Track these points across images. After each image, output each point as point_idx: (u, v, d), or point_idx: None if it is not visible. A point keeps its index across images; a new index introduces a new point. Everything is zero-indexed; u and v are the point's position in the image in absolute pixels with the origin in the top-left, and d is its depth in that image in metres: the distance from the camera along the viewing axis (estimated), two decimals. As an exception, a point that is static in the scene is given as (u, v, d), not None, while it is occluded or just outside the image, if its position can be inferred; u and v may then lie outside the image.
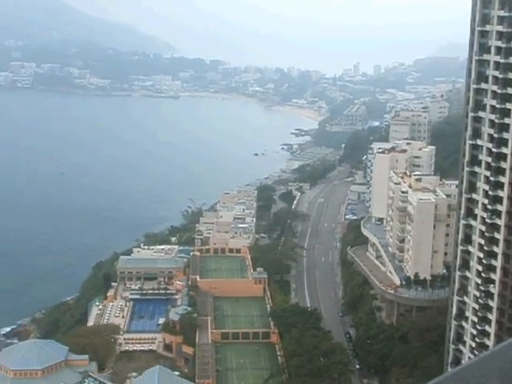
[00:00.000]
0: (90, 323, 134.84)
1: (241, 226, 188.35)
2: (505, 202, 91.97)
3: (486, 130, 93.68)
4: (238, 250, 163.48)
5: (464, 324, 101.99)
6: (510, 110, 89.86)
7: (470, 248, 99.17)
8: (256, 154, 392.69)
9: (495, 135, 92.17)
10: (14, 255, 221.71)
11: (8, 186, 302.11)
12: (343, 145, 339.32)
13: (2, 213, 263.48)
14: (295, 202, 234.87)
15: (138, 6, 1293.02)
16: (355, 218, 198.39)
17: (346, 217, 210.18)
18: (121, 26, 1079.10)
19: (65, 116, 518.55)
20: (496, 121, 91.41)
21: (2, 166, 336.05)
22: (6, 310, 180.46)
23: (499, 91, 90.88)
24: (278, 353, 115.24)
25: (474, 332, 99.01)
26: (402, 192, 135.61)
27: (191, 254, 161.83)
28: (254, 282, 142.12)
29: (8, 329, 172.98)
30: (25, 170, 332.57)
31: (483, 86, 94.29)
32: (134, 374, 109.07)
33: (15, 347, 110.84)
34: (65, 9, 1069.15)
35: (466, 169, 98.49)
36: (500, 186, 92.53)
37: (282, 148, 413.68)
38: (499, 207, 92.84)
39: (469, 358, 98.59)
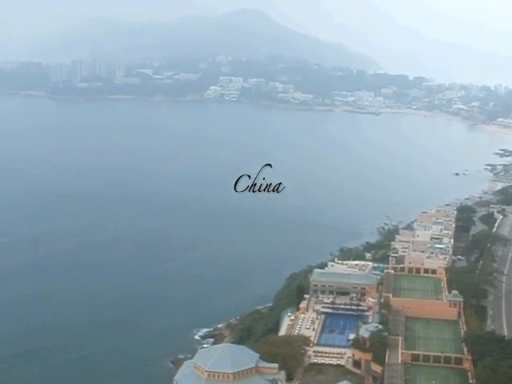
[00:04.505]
0: (282, 333, 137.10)
1: (437, 246, 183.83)
2: None
3: None
4: (434, 271, 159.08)
5: None
6: None
7: None
8: (457, 174, 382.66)
9: None
10: (218, 264, 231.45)
11: (214, 197, 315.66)
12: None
13: (213, 223, 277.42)
14: (496, 224, 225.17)
15: (344, 25, 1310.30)
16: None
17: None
18: (327, 43, 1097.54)
19: (264, 129, 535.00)
20: None
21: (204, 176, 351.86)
22: (205, 313, 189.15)
23: None
24: (471, 381, 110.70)
25: None
26: None
27: (385, 271, 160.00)
28: (448, 305, 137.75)
29: (204, 330, 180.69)
30: (221, 180, 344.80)
31: None
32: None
33: (210, 349, 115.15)
34: (274, 27, 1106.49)
35: None
36: None
37: (485, 168, 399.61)
38: None
39: None
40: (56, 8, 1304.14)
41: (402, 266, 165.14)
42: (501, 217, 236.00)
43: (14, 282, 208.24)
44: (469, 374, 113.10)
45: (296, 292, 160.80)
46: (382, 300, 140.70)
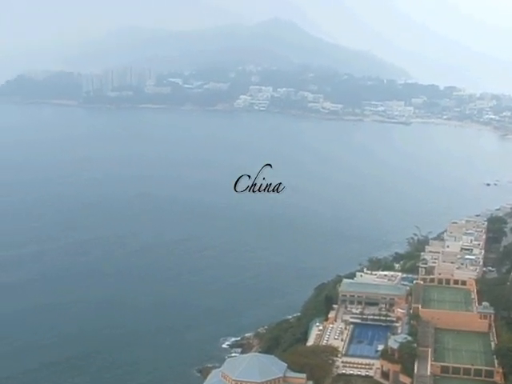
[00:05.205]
0: (310, 343, 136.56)
1: (468, 257, 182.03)
2: None
3: None
4: (464, 282, 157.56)
5: None
6: None
7: None
8: (488, 184, 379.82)
9: None
10: (246, 273, 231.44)
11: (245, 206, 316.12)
12: None
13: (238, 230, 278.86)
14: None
15: (374, 34, 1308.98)
16: None
17: None
18: (356, 52, 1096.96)
19: (294, 138, 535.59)
20: None
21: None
22: (232, 322, 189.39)
23: None
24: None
25: None
26: None
27: (414, 282, 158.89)
28: (478, 317, 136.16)
29: (232, 339, 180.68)
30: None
31: None
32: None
33: (238, 358, 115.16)
34: (304, 37, 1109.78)
35: None
36: None
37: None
38: None
39: None
40: (90, 17, 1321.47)
41: (431, 276, 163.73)
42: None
43: (39, 290, 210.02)
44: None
45: (324, 302, 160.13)
46: (411, 311, 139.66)
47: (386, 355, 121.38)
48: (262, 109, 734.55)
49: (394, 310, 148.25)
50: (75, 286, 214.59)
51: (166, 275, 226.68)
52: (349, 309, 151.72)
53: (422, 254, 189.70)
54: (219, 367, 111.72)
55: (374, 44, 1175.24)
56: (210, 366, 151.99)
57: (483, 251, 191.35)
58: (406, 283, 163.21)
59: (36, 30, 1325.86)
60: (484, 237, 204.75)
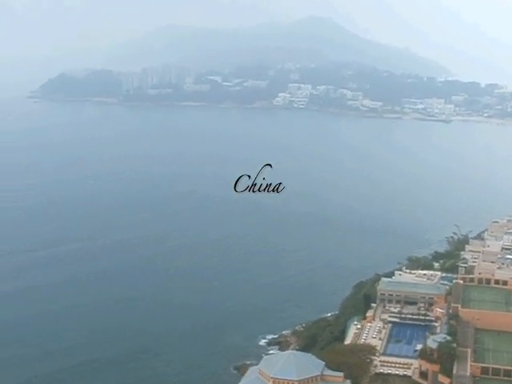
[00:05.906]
0: (348, 341, 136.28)
1: (509, 256, 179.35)
2: None
3: None
4: (505, 282, 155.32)
5: None
6: None
7: None
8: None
9: None
10: (286, 272, 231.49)
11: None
12: None
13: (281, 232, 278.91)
14: None
15: (413, 31, 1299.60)
16: None
17: None
18: (395, 49, 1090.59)
19: (333, 137, 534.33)
20: None
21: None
22: (270, 320, 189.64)
23: None
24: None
25: None
26: None
27: (454, 281, 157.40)
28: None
29: (270, 337, 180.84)
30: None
31: None
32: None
33: (276, 356, 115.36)
34: (343, 34, 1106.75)
35: None
36: None
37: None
38: None
39: None
40: (129, 17, 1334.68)
41: (471, 276, 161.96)
42: None
43: (81, 288, 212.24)
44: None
45: (363, 300, 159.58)
46: (451, 311, 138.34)
47: (424, 355, 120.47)
48: (301, 106, 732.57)
49: (433, 310, 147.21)
50: (119, 284, 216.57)
51: (208, 274, 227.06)
52: (387, 308, 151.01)
53: (462, 253, 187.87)
54: (256, 364, 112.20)
55: (413, 41, 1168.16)
56: (247, 363, 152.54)
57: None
58: (445, 282, 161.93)
59: (77, 31, 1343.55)
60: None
